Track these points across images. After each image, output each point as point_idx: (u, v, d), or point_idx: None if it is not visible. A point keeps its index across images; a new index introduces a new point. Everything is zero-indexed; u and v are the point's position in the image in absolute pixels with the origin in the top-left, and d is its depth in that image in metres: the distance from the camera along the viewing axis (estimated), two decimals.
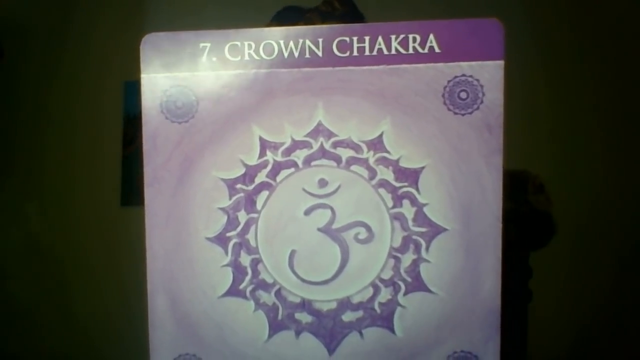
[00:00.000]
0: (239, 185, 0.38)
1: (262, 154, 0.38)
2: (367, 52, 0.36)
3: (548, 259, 0.78)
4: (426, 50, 0.36)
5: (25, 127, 1.43)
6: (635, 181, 1.27)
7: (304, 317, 0.38)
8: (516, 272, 0.73)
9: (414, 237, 0.38)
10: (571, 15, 1.30)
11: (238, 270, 0.38)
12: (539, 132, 1.27)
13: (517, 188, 0.76)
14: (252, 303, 0.39)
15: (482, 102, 0.36)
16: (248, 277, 0.38)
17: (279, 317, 0.38)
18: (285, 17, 0.65)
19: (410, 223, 0.38)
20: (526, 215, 0.75)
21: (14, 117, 1.43)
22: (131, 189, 1.40)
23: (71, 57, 1.41)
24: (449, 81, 0.36)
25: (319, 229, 0.38)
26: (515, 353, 0.75)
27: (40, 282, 1.40)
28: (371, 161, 0.37)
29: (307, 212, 0.38)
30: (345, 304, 0.38)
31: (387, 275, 0.38)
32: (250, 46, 0.37)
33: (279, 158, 0.38)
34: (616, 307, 1.25)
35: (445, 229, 0.37)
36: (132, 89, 1.39)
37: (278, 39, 0.37)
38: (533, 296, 0.77)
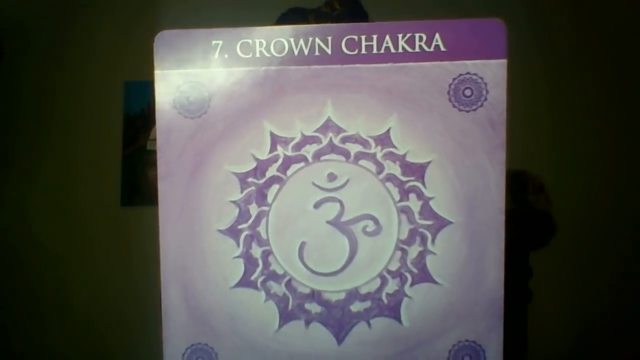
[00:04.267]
0: (250, 179, 0.39)
1: (273, 148, 0.39)
2: (374, 51, 0.38)
3: (548, 259, 0.79)
4: (432, 49, 0.38)
5: (26, 127, 1.43)
6: (635, 181, 1.28)
7: (314, 308, 0.40)
8: (516, 272, 0.74)
9: (420, 229, 0.39)
10: (573, 15, 1.31)
11: (249, 262, 0.40)
12: (539, 133, 1.28)
13: (517, 188, 0.77)
14: (262, 294, 0.40)
15: (485, 99, 0.38)
16: (259, 269, 0.40)
17: (289, 307, 0.40)
18: (289, 18, 0.67)
19: (416, 216, 0.39)
20: (526, 215, 0.76)
21: (14, 117, 1.44)
22: (131, 189, 1.41)
23: (71, 57, 1.42)
24: (454, 79, 0.38)
25: (328, 222, 0.39)
26: (515, 353, 0.76)
27: (41, 282, 1.41)
28: (379, 156, 0.39)
29: (317, 206, 0.39)
30: (353, 295, 0.39)
31: (394, 266, 0.39)
32: (261, 44, 0.38)
33: (289, 153, 0.39)
34: (616, 306, 1.26)
35: (450, 222, 0.39)
36: (133, 89, 1.41)
37: (288, 37, 0.38)
38: (533, 296, 0.78)
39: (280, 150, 0.39)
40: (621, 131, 1.29)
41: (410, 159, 0.38)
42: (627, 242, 1.26)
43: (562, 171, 1.18)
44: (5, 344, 1.40)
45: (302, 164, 0.39)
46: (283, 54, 0.38)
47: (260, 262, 0.40)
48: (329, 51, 0.38)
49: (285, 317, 0.40)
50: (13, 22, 1.40)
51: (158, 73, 0.39)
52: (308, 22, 0.64)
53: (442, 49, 0.38)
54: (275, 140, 0.39)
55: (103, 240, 1.40)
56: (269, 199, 0.39)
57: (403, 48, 0.38)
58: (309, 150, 0.39)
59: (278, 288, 0.40)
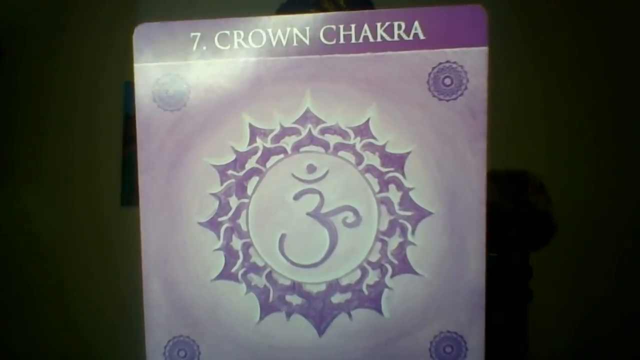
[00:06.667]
0: (230, 171, 0.39)
1: (252, 140, 0.39)
2: (353, 40, 0.37)
3: (548, 259, 0.79)
4: (411, 37, 0.37)
5: (25, 127, 1.44)
6: (635, 181, 1.27)
7: (295, 299, 0.39)
8: (516, 272, 0.74)
9: (400, 220, 0.38)
10: (567, 8, 1.30)
11: (230, 254, 0.40)
12: (538, 132, 1.28)
13: (517, 188, 0.76)
14: (243, 286, 0.40)
15: (466, 88, 0.37)
16: (240, 261, 0.39)
17: (270, 299, 0.39)
18: (289, 9, 0.66)
19: (396, 207, 0.38)
20: (526, 215, 0.75)
21: (13, 117, 1.44)
22: (131, 189, 1.42)
23: (71, 57, 1.43)
24: (433, 68, 0.37)
25: (308, 214, 0.39)
26: (515, 353, 0.75)
27: (40, 282, 1.41)
28: (358, 147, 0.38)
29: (297, 197, 0.39)
30: (334, 286, 0.39)
31: (374, 258, 0.39)
32: (239, 35, 0.38)
33: (269, 144, 0.39)
34: (616, 307, 1.25)
35: (430, 213, 0.38)
36: (133, 89, 1.41)
37: (266, 28, 0.38)
38: (533, 296, 0.77)
39: (259, 142, 0.39)
40: (621, 130, 1.28)
41: (389, 149, 0.38)
42: (627, 242, 1.25)
43: (562, 171, 1.18)
44: (4, 343, 1.40)
45: (282, 155, 0.39)
46: (261, 45, 0.38)
47: (240, 254, 0.39)
48: (307, 41, 0.38)
49: (267, 309, 0.40)
50: (12, 22, 1.41)
51: (137, 66, 0.39)
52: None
53: (422, 37, 0.37)
54: (254, 132, 0.39)
55: (103, 240, 1.41)
56: (249, 191, 0.39)
57: (382, 37, 0.37)
58: (288, 141, 0.39)
59: (259, 280, 0.40)
